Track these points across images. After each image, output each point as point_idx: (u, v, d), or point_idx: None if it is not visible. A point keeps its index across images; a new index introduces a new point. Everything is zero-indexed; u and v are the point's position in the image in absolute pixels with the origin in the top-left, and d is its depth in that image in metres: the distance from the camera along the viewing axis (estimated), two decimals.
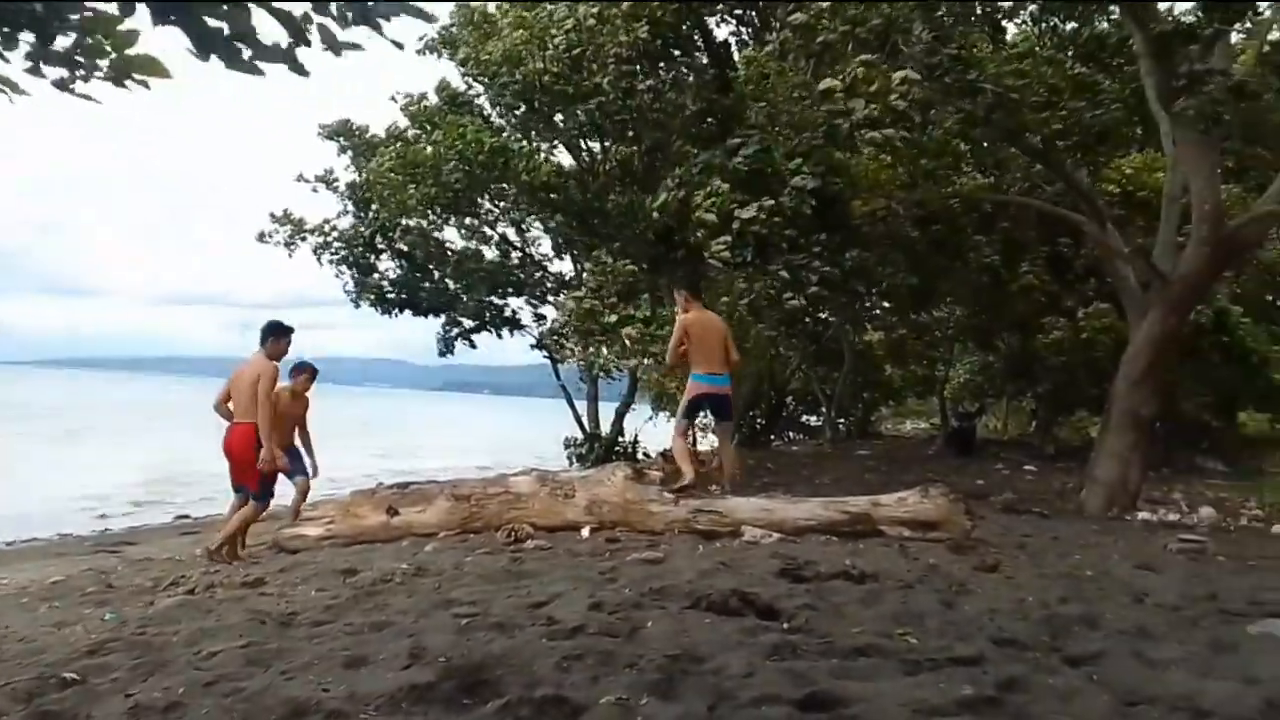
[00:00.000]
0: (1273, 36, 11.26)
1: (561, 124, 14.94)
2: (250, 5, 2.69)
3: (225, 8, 2.67)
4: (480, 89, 16.64)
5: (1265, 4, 9.85)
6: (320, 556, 7.26)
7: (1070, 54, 12.75)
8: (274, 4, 2.71)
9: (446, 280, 18.45)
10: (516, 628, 4.26)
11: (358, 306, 18.73)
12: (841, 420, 26.11)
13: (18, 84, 2.93)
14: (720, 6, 13.62)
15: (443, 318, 19.13)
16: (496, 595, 5.09)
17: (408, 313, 18.81)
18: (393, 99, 18.11)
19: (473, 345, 19.25)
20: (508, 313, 19.14)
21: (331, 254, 18.30)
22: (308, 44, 2.77)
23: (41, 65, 2.84)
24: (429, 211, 17.07)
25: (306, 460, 8.82)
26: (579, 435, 19.32)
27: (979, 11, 11.68)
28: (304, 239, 18.30)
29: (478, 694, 3.30)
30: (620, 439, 18.83)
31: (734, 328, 11.28)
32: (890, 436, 29.00)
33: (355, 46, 2.73)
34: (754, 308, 12.83)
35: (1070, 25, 13.17)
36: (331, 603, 5.15)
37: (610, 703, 3.16)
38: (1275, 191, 10.82)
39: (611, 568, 5.93)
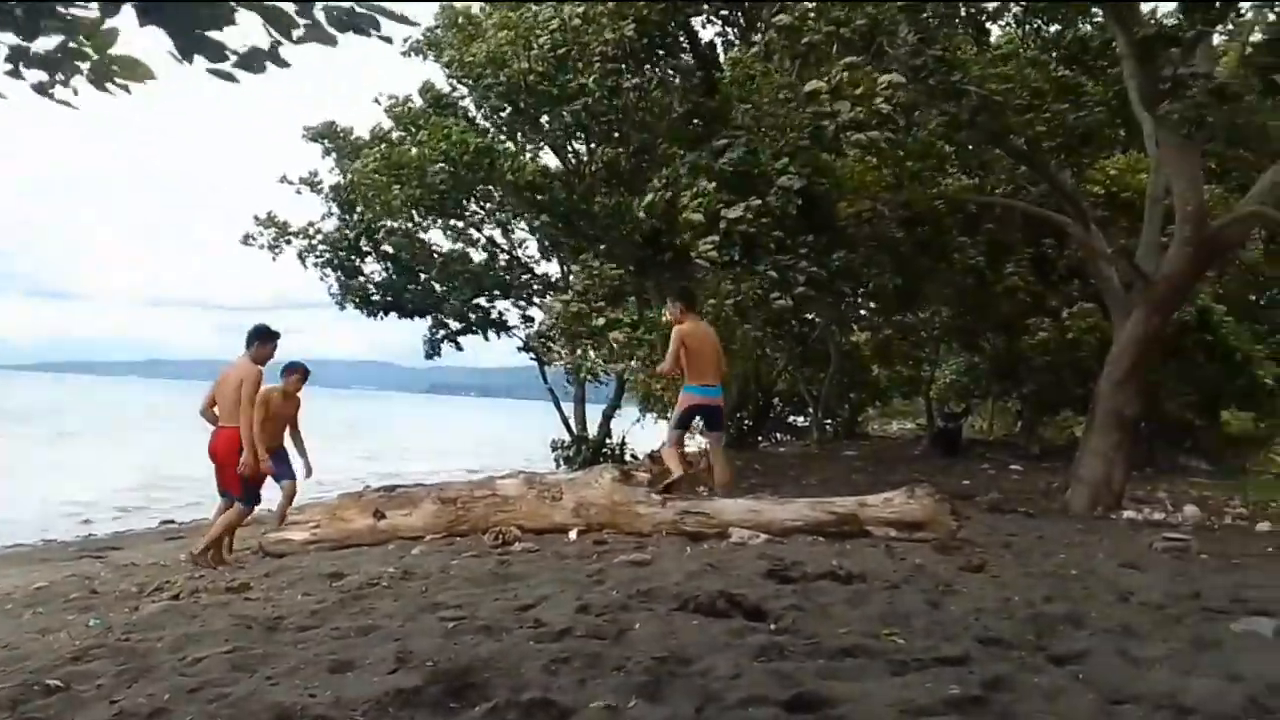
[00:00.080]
0: (1255, 38, 11.34)
1: (547, 125, 14.93)
2: (232, 5, 2.68)
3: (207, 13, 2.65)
4: (465, 91, 16.62)
5: (1247, 5, 9.92)
6: (306, 560, 7.23)
7: (1054, 56, 12.82)
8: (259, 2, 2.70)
9: (433, 283, 18.42)
10: (503, 631, 4.25)
11: (343, 309, 18.68)
12: (828, 421, 26.17)
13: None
14: (706, 7, 13.63)
15: (429, 320, 19.09)
16: (483, 598, 5.07)
17: (393, 315, 18.77)
18: (376, 101, 18.06)
19: (459, 348, 19.22)
20: (494, 314, 19.12)
21: (316, 257, 18.23)
22: (291, 40, 2.75)
23: (21, 68, 2.82)
24: (414, 213, 17.03)
25: (299, 460, 8.78)
26: (566, 437, 19.31)
27: (963, 13, 11.73)
28: (289, 242, 18.23)
29: (464, 698, 3.30)
30: (607, 441, 18.84)
31: (720, 329, 11.31)
32: (877, 437, 29.09)
33: (331, 41, 2.72)
34: (740, 308, 12.84)
35: (1054, 28, 13.25)
36: (317, 607, 5.13)
37: (598, 706, 3.15)
38: (1257, 192, 10.90)
39: (599, 570, 5.92)
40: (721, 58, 14.02)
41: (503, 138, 16.38)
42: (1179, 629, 4.49)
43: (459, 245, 19.29)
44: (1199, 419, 17.74)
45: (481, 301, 18.91)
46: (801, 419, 27.12)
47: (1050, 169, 12.64)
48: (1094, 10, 12.54)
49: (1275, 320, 18.51)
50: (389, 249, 18.13)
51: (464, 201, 17.18)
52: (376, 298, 18.42)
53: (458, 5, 16.22)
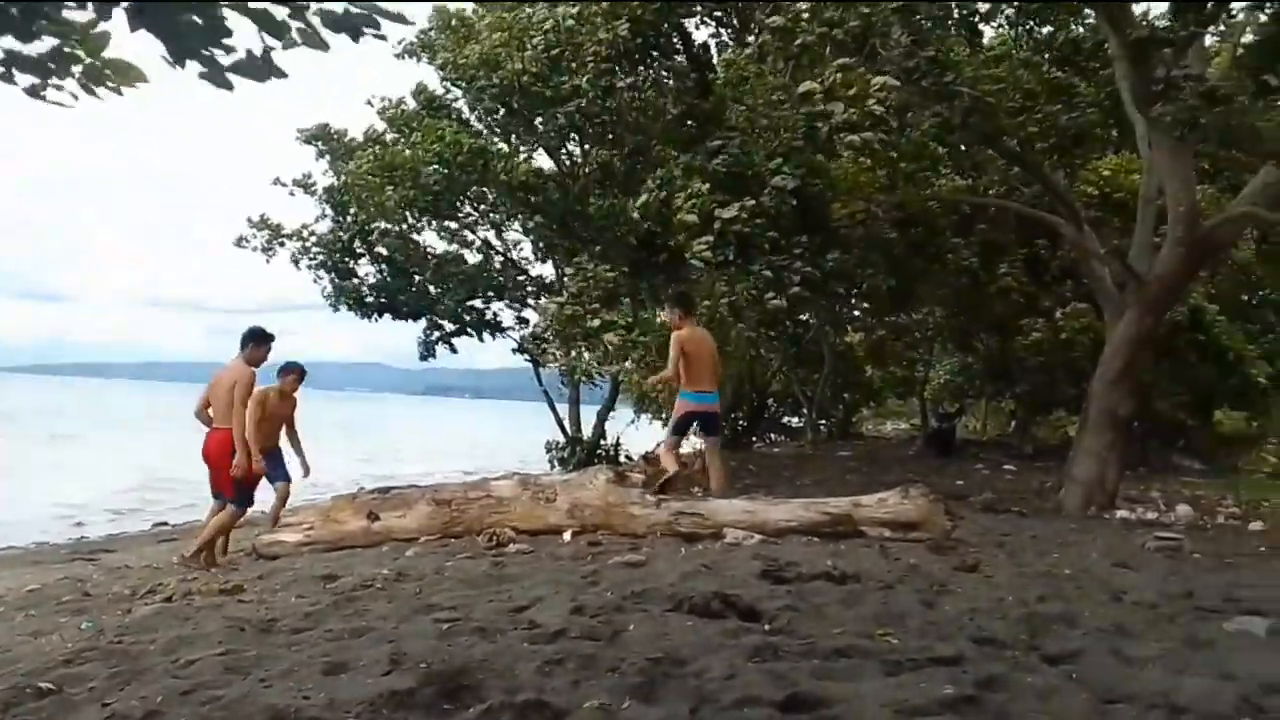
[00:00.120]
0: (1246, 39, 11.38)
1: (541, 127, 14.92)
2: (224, 12, 2.67)
3: (199, 20, 2.64)
4: (459, 93, 16.60)
5: (1238, 5, 9.95)
6: (299, 562, 7.22)
7: (1046, 58, 12.84)
8: (251, 5, 2.69)
9: (427, 284, 18.39)
10: (498, 632, 4.25)
11: (336, 310, 18.64)
12: (823, 421, 26.19)
13: None
14: (699, 8, 13.63)
15: (423, 322, 19.07)
16: (478, 600, 5.07)
17: (387, 317, 18.74)
18: (368, 103, 18.01)
19: (453, 349, 19.19)
20: (489, 315, 19.10)
21: (310, 259, 18.20)
22: (293, 44, 2.74)
23: (13, 71, 2.81)
24: (407, 214, 17.00)
25: (296, 460, 8.78)
26: (561, 439, 19.30)
27: (956, 15, 11.74)
28: (282, 244, 18.19)
29: (458, 699, 3.29)
30: (602, 442, 18.84)
31: (715, 330, 11.32)
32: (871, 437, 29.10)
33: (323, 46, 2.71)
34: (735, 309, 12.85)
35: (1046, 29, 13.27)
36: (311, 609, 5.12)
37: (592, 707, 3.16)
38: (1249, 192, 10.94)
39: (593, 571, 5.92)
40: (715, 59, 14.02)
41: (496, 140, 16.36)
42: (1172, 628, 4.51)
43: (453, 246, 19.27)
44: (1192, 419, 17.79)
45: (476, 303, 18.90)
46: (796, 419, 27.13)
47: (1043, 170, 12.67)
48: (1086, 12, 12.56)
49: (1267, 320, 18.57)
50: (383, 250, 18.10)
51: (458, 203, 17.17)
52: (370, 299, 18.40)
53: (451, 7, 16.22)
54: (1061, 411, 22.48)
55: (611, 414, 19.55)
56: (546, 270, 19.39)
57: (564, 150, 16.31)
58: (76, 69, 2.87)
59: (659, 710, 3.16)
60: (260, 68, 2.74)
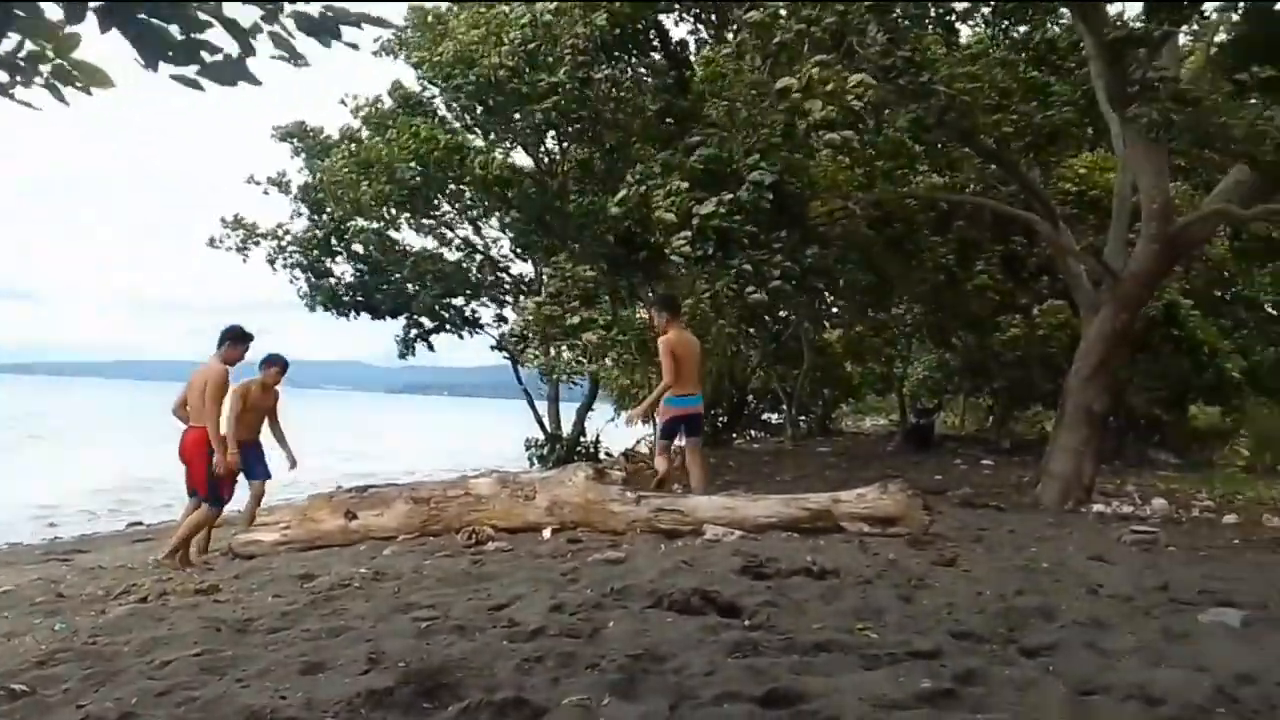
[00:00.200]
0: (1219, 38, 11.50)
1: (519, 122, 14.85)
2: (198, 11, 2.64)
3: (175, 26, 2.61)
4: (435, 90, 16.51)
5: (1211, 5, 10.04)
6: (276, 562, 7.17)
7: (1023, 57, 12.92)
8: (224, 7, 2.66)
9: (405, 282, 18.27)
10: (477, 630, 4.23)
11: (312, 310, 18.47)
12: (802, 418, 26.27)
13: None
14: (677, 5, 13.63)
15: (402, 320, 18.96)
16: (456, 598, 5.05)
17: (365, 316, 18.61)
18: (342, 102, 17.84)
19: (430, 347, 19.09)
20: (467, 313, 19.02)
21: (286, 258, 18.04)
22: (252, 53, 2.72)
23: None
24: (384, 210, 16.88)
25: (280, 452, 8.76)
26: (540, 436, 19.26)
27: (933, 14, 11.79)
28: (257, 244, 18.00)
29: (437, 698, 3.28)
30: (582, 439, 18.81)
31: (695, 327, 11.34)
32: (850, 433, 29.24)
33: (303, 61, 2.69)
34: (716, 304, 12.86)
35: (1022, 28, 13.35)
36: (288, 608, 5.09)
37: (571, 704, 3.15)
38: (1222, 190, 11.06)
39: (573, 568, 5.91)
40: (694, 56, 14.02)
41: (473, 137, 16.28)
42: (1148, 621, 4.55)
43: (430, 241, 19.15)
44: (1167, 414, 17.97)
45: (456, 301, 18.81)
46: (775, 416, 27.20)
47: (1019, 168, 12.75)
48: (1062, 11, 12.64)
49: (1239, 316, 18.77)
50: (359, 248, 17.98)
51: (434, 199, 17.06)
52: (347, 298, 18.26)
53: (427, 5, 16.12)
54: (1038, 407, 22.69)
55: (591, 411, 19.53)
56: (526, 269, 19.34)
57: (542, 148, 16.25)
58: (45, 69, 2.84)
59: (639, 707, 3.15)
60: (226, 70, 2.71)
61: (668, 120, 12.63)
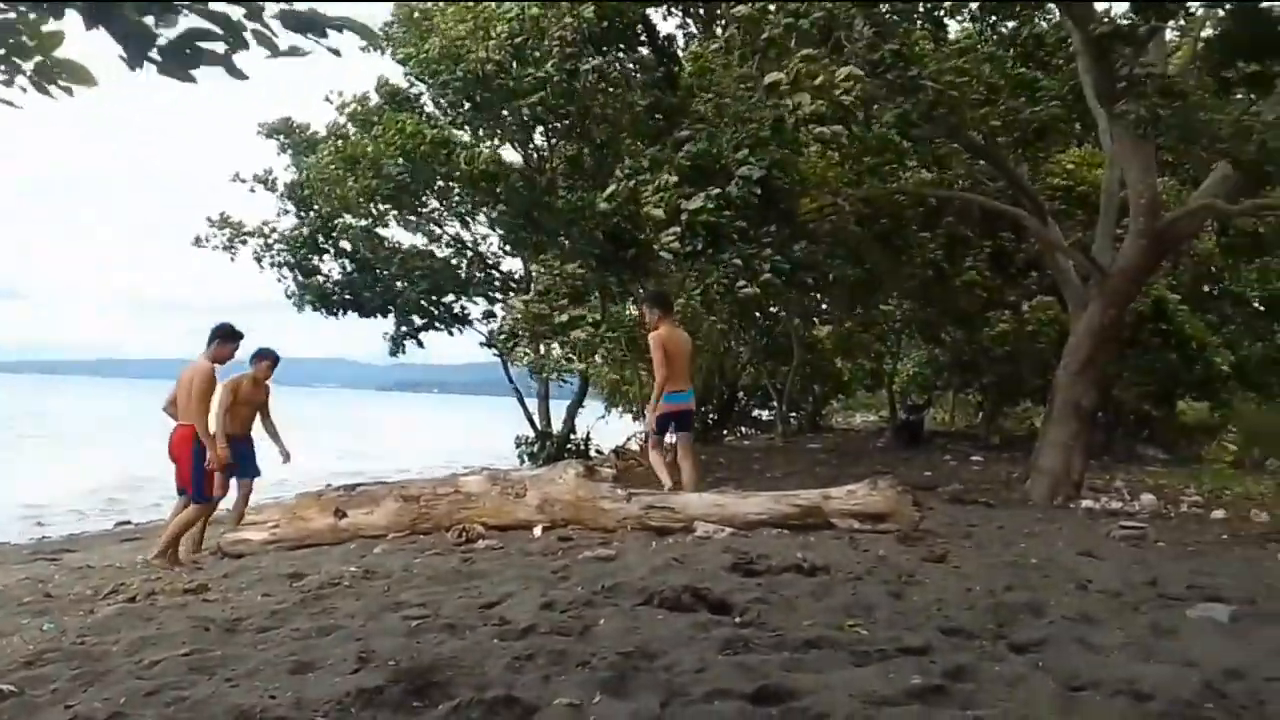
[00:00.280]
0: (1206, 33, 11.54)
1: (507, 117, 14.78)
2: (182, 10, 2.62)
3: (153, 19, 2.59)
4: (422, 87, 16.44)
5: (1196, 3, 10.08)
6: (265, 561, 7.15)
7: (1010, 53, 12.94)
8: (211, 6, 2.65)
9: (394, 280, 18.18)
10: (467, 629, 4.23)
11: (300, 310, 18.34)
12: (792, 414, 26.27)
13: None
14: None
15: (391, 317, 18.87)
16: (447, 596, 5.04)
17: (353, 314, 18.50)
18: (327, 100, 17.73)
19: (420, 345, 19.02)
20: (456, 309, 18.95)
21: (273, 256, 17.92)
22: (245, 47, 2.71)
23: None
24: (371, 206, 16.77)
25: (275, 448, 8.76)
26: (530, 433, 19.23)
27: (920, 9, 11.81)
28: (244, 242, 17.87)
29: (428, 696, 3.27)
30: (572, 437, 18.78)
31: (686, 324, 11.35)
32: (840, 429, 29.24)
33: (296, 52, 2.67)
34: (707, 300, 12.85)
35: (1010, 24, 13.39)
36: (277, 607, 5.07)
37: (562, 703, 3.15)
38: (1209, 185, 11.11)
39: (563, 566, 5.91)
40: (682, 52, 13.99)
41: (460, 133, 16.21)
42: (1136, 616, 4.57)
43: (418, 238, 19.05)
44: (1155, 409, 18.04)
45: (445, 298, 18.73)
46: (766, 412, 27.21)
47: (1007, 163, 12.78)
48: (1049, 7, 12.67)
49: (1224, 311, 18.85)
50: (347, 245, 17.89)
51: (422, 195, 16.96)
52: (335, 297, 18.14)
53: (413, 2, 16.05)
54: (1028, 403, 22.75)
55: (581, 409, 19.51)
56: (515, 265, 19.29)
57: (530, 144, 16.20)
58: (28, 66, 2.81)
59: (629, 704, 3.15)
60: (220, 58, 2.69)
61: (656, 116, 12.61)
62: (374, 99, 17.49)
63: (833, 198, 13.14)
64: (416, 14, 15.67)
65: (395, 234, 18.83)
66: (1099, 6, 10.46)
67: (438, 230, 19.10)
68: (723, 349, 21.85)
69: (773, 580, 5.25)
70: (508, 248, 18.65)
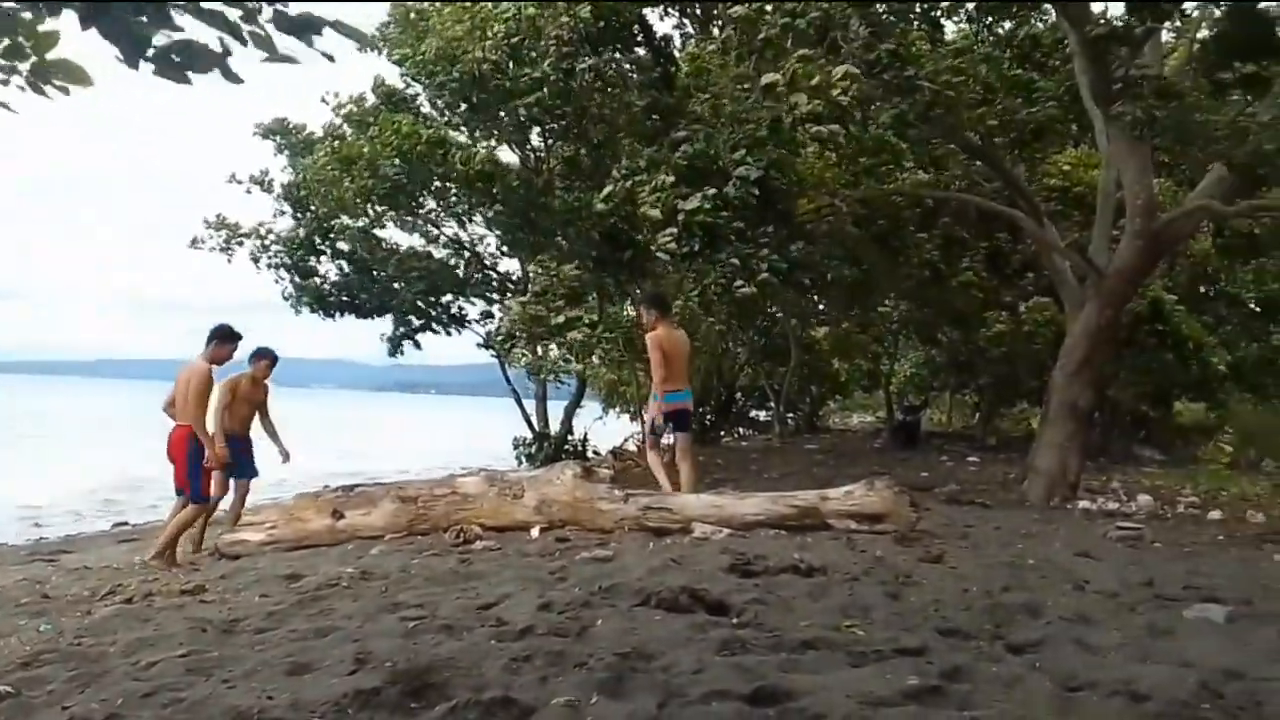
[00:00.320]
0: (1201, 34, 11.55)
1: (504, 118, 14.77)
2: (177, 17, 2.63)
3: (146, 19, 2.60)
4: (419, 88, 16.42)
5: (1191, 4, 10.10)
6: (262, 562, 7.15)
7: (1007, 54, 12.96)
8: (206, 6, 2.65)
9: (391, 281, 18.16)
10: (464, 630, 4.23)
11: (298, 313, 18.28)
12: (790, 415, 26.30)
13: None
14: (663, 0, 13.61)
15: (388, 318, 18.84)
16: (444, 597, 5.04)
17: (350, 316, 18.47)
18: (323, 100, 17.70)
19: (417, 345, 19.00)
20: (454, 310, 18.93)
21: (270, 257, 17.90)
22: (244, 43, 2.71)
23: None
24: (367, 207, 16.73)
25: (274, 448, 8.77)
26: (528, 434, 19.22)
27: (917, 9, 11.82)
28: (240, 243, 17.84)
29: (425, 698, 3.28)
30: (569, 438, 18.77)
31: (685, 325, 11.35)
32: (838, 430, 29.26)
33: (290, 59, 2.68)
34: (705, 301, 12.84)
35: (1007, 25, 13.40)
36: (274, 608, 5.07)
37: (559, 703, 3.15)
38: (1205, 186, 11.12)
39: (561, 567, 5.91)
40: (679, 52, 13.99)
41: (456, 132, 16.19)
42: (1133, 617, 4.57)
43: (416, 238, 19.02)
44: (1152, 410, 18.07)
45: (444, 298, 18.70)
46: (763, 413, 27.23)
47: (1004, 164, 12.79)
48: (1046, 8, 12.69)
49: (1219, 313, 18.87)
50: (343, 246, 17.86)
51: (419, 195, 16.94)
52: (332, 298, 18.11)
53: (409, 3, 16.03)
54: (1024, 403, 22.77)
55: (579, 409, 19.51)
56: (512, 266, 19.26)
57: (528, 145, 16.19)
58: (24, 67, 2.82)
59: (627, 705, 3.16)
60: (207, 59, 2.69)
61: (653, 116, 12.61)
62: (370, 100, 17.46)
63: (830, 198, 13.15)
64: (413, 14, 15.65)
65: (393, 235, 18.81)
66: (1095, 7, 10.49)
67: (435, 231, 19.07)
68: (721, 350, 21.86)
69: (770, 581, 5.25)
70: (505, 249, 18.63)
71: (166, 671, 3.79)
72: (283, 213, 17.92)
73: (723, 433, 24.27)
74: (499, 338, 16.17)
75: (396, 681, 3.36)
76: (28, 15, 2.73)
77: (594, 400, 21.77)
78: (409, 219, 18.20)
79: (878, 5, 10.51)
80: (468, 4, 13.33)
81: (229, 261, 17.90)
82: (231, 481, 8.32)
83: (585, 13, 11.77)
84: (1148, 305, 15.54)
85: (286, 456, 8.85)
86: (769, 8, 10.34)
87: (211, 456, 7.78)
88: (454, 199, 16.90)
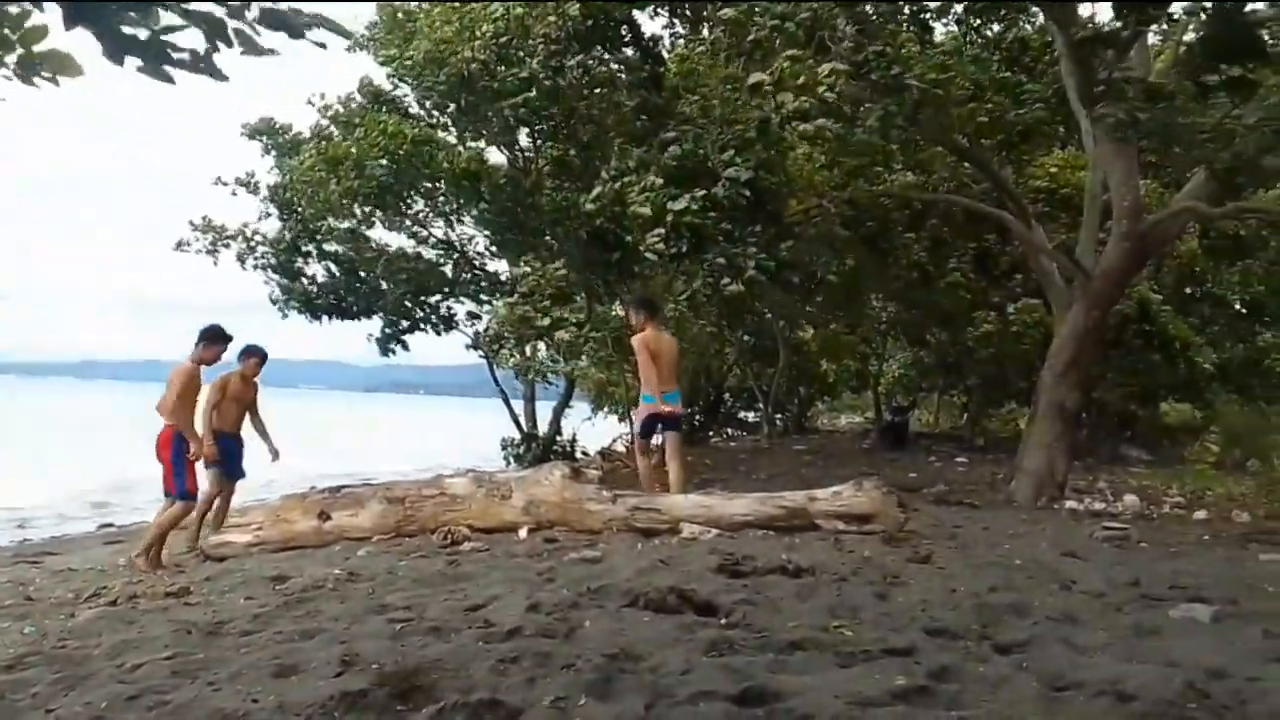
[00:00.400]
0: (1188, 38, 11.61)
1: (492, 120, 14.74)
2: (162, 9, 2.62)
3: (133, 15, 2.59)
4: (406, 88, 16.39)
5: (1179, 5, 10.14)
6: (248, 564, 7.11)
7: (995, 58, 13.00)
8: (191, 6, 2.64)
9: (379, 281, 18.10)
10: (452, 631, 4.22)
11: (284, 316, 18.20)
12: (778, 416, 26.32)
13: None
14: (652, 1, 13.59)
15: (377, 319, 18.79)
16: (432, 599, 5.03)
17: (337, 319, 18.39)
18: (309, 102, 17.64)
19: (405, 346, 18.96)
20: (443, 311, 18.89)
21: (257, 259, 17.81)
22: (230, 44, 2.71)
23: None
24: (354, 208, 16.67)
25: (264, 446, 8.75)
26: (516, 435, 19.20)
27: (906, 11, 11.85)
28: (227, 245, 17.74)
29: (412, 700, 3.26)
30: (558, 438, 18.77)
31: (675, 328, 11.36)
32: (826, 431, 29.29)
33: (272, 52, 2.67)
34: (694, 303, 12.84)
35: (995, 27, 13.44)
36: (260, 611, 5.04)
37: (546, 705, 3.14)
38: (1192, 187, 11.18)
39: (549, 568, 5.91)
40: (669, 53, 13.98)
41: (443, 132, 16.16)
42: (1120, 616, 4.59)
43: (403, 237, 18.97)
44: (1139, 409, 18.14)
45: (432, 299, 18.66)
46: (752, 414, 27.25)
47: (992, 165, 12.83)
48: (1034, 11, 12.73)
49: (1205, 314, 18.97)
50: (330, 248, 17.80)
51: (406, 196, 16.89)
52: (320, 300, 18.03)
53: (396, 3, 16.00)
54: (1012, 404, 22.85)
55: (568, 410, 19.50)
56: (501, 266, 19.24)
57: (516, 145, 16.17)
58: (11, 59, 2.81)
59: (614, 706, 3.15)
60: (192, 60, 2.69)
61: (642, 117, 12.61)
62: (357, 100, 17.40)
63: (818, 200, 13.17)
64: (400, 14, 15.63)
65: (380, 236, 18.76)
66: (1083, 10, 10.53)
67: (423, 232, 19.02)
68: (711, 352, 21.88)
69: (758, 582, 5.25)
70: (494, 248, 18.60)
71: (151, 674, 3.77)
72: (269, 214, 17.84)
73: (711, 433, 24.28)
74: (487, 338, 16.15)
75: (384, 683, 3.34)
76: (13, 9, 2.72)
77: (583, 401, 21.77)
78: (397, 219, 18.14)
79: (866, 6, 10.52)
80: (456, 4, 13.31)
81: (215, 264, 17.80)
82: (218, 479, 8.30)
83: (574, 11, 11.76)
84: (1135, 306, 15.61)
85: (276, 455, 8.82)
86: (758, 9, 10.34)
87: (196, 448, 7.75)
88: (442, 199, 16.88)
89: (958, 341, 18.59)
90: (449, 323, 18.89)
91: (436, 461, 22.84)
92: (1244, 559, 7.12)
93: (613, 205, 11.34)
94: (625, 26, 12.91)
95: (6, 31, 2.76)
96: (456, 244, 19.10)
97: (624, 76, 12.82)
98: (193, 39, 2.68)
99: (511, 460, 18.43)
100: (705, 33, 13.23)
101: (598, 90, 12.94)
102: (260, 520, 7.95)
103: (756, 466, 15.60)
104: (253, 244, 17.68)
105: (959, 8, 13.15)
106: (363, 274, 17.94)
